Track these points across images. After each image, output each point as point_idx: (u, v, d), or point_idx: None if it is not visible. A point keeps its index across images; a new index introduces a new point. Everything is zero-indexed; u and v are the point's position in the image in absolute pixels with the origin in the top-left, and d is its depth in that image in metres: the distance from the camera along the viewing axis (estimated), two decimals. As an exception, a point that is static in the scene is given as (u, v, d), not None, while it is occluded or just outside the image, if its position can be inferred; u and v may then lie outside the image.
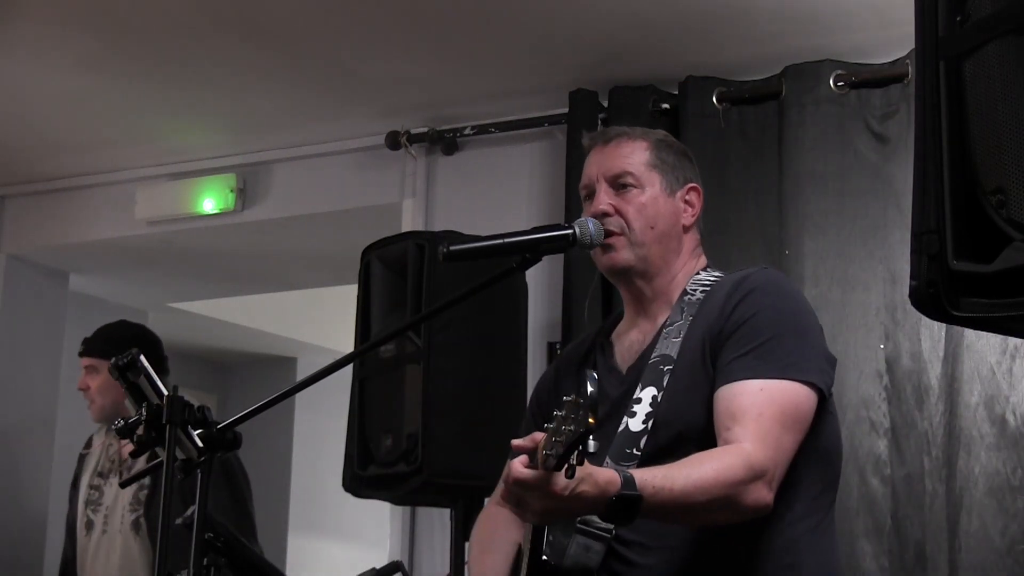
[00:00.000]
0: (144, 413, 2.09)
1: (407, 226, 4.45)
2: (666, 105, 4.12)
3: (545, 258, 2.26)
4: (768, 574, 2.13)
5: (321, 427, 7.46)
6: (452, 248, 2.20)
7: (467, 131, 4.51)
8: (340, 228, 4.96)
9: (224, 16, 3.93)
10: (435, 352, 3.15)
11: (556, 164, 4.30)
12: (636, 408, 2.20)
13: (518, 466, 1.92)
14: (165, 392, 2.10)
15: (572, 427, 1.80)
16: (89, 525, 4.17)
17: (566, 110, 4.23)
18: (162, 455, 2.08)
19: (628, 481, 1.93)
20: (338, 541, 7.85)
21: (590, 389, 1.80)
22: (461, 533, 3.11)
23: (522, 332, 3.43)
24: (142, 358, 2.16)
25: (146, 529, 4.03)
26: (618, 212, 2.30)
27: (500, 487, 2.37)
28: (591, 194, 2.34)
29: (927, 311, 1.30)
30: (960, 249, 1.27)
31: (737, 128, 3.99)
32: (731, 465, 2.02)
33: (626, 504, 1.93)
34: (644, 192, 2.31)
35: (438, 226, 4.35)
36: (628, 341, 2.34)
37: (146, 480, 4.05)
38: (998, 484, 3.44)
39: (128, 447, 4.18)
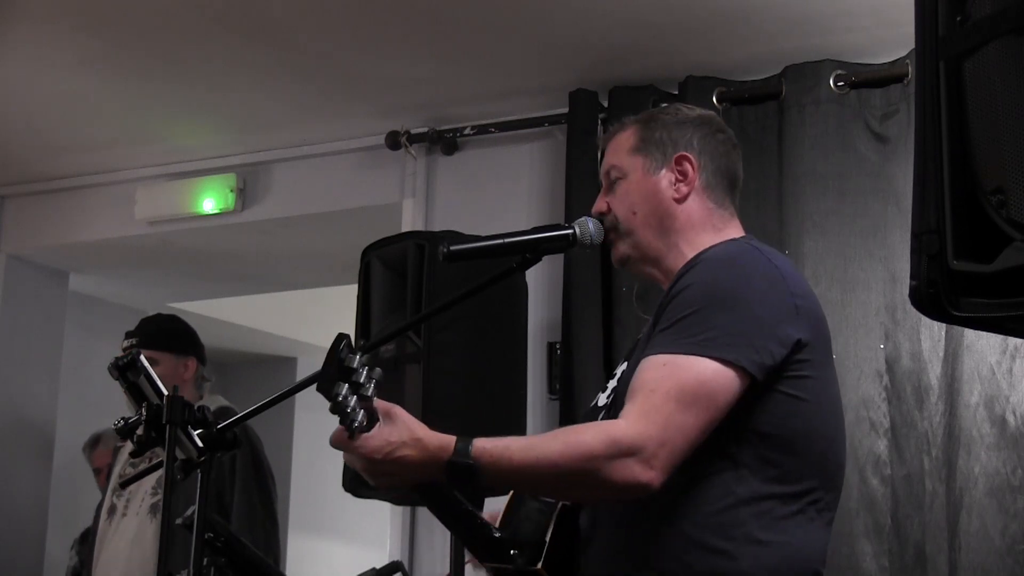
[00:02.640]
0: (144, 413, 2.09)
1: (407, 226, 4.45)
2: (666, 105, 4.12)
3: (545, 258, 2.26)
4: (694, 557, 2.01)
5: (321, 427, 7.42)
6: (452, 248, 2.19)
7: (467, 131, 4.51)
8: (340, 228, 4.96)
9: (224, 16, 3.93)
10: (435, 352, 3.14)
11: (556, 164, 4.30)
12: (609, 384, 2.20)
13: (337, 430, 1.97)
14: (165, 392, 2.10)
15: (349, 394, 1.90)
16: (112, 510, 4.18)
17: (566, 110, 4.23)
18: (162, 454, 2.09)
19: (462, 449, 1.93)
20: (338, 541, 7.86)
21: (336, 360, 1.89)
22: (461, 533, 3.10)
23: (522, 332, 3.43)
24: (142, 358, 2.16)
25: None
26: (611, 208, 2.28)
27: None
28: None
29: (927, 311, 1.30)
30: (960, 249, 1.27)
31: (737, 128, 3.99)
32: (585, 441, 1.94)
33: (460, 471, 1.93)
34: (626, 181, 2.27)
35: (438, 226, 4.36)
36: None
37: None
38: (998, 484, 3.44)
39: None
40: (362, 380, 1.91)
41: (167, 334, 4.33)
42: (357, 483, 3.30)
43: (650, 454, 1.93)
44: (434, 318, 3.02)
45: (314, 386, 2.07)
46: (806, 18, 3.76)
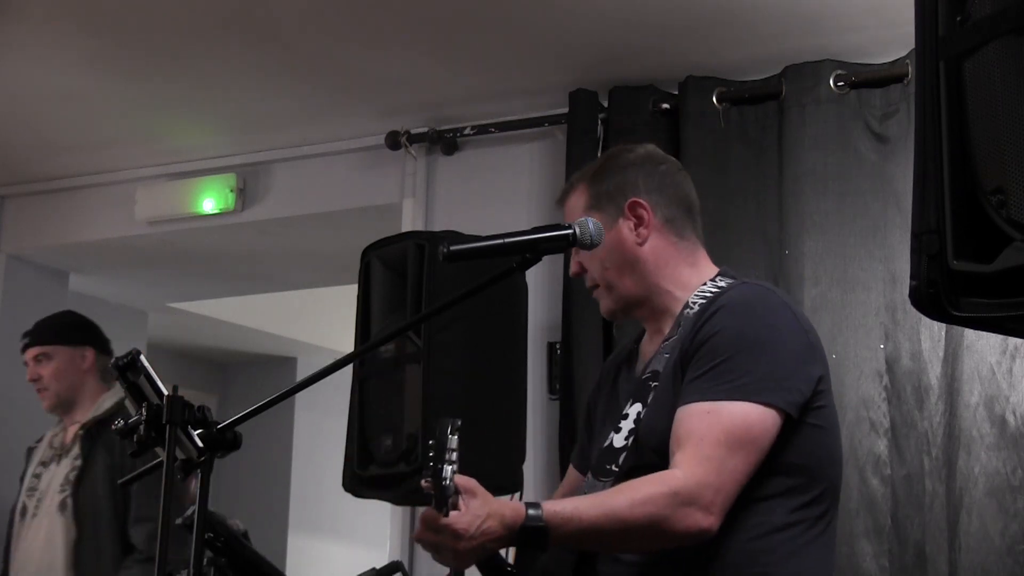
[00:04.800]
0: (144, 413, 2.09)
1: (407, 226, 4.45)
2: (666, 105, 4.12)
3: (545, 258, 2.26)
4: None
5: (321, 427, 7.47)
6: (452, 248, 2.20)
7: (467, 131, 4.51)
8: (340, 228, 4.96)
9: (224, 16, 3.93)
10: (435, 352, 3.15)
11: (556, 164, 4.30)
12: (622, 424, 2.24)
13: (428, 510, 1.96)
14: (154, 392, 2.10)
15: (446, 469, 1.89)
16: (23, 511, 4.18)
17: (566, 110, 4.23)
18: (162, 455, 2.08)
19: (533, 514, 1.97)
20: (338, 541, 7.85)
21: (430, 442, 1.89)
22: (461, 533, 3.10)
23: (522, 332, 3.43)
24: (142, 358, 2.16)
25: (71, 508, 4.03)
26: (585, 268, 2.38)
27: (558, 492, 2.53)
28: None
29: (927, 311, 1.30)
30: (960, 249, 1.27)
31: (737, 128, 3.99)
32: (650, 495, 2.02)
33: (533, 535, 1.97)
34: None
35: (438, 226, 4.36)
36: (646, 351, 2.36)
37: (78, 460, 4.06)
38: (998, 484, 3.44)
39: (74, 429, 4.19)
40: (455, 460, 1.93)
41: (58, 327, 4.33)
42: (357, 483, 3.30)
43: (708, 501, 2.02)
44: (434, 318, 3.02)
45: (314, 386, 2.07)
46: (806, 18, 3.76)
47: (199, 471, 2.11)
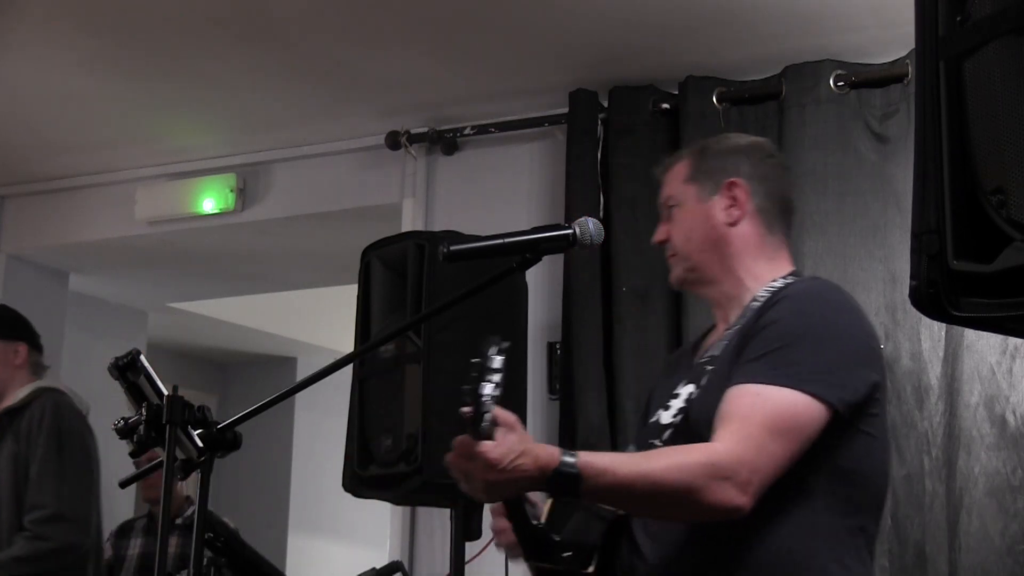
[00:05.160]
0: (144, 413, 2.09)
1: (407, 226, 4.45)
2: (666, 105, 4.13)
3: (545, 258, 2.26)
4: None
5: (321, 427, 7.46)
6: (452, 248, 2.20)
7: (467, 131, 4.51)
8: (340, 228, 4.96)
9: (224, 16, 3.93)
10: (435, 352, 3.14)
11: (556, 164, 4.30)
12: (671, 402, 2.23)
13: (462, 436, 1.93)
14: (164, 393, 2.10)
15: (487, 392, 1.87)
16: None
17: (566, 110, 4.23)
18: (162, 455, 2.08)
19: (568, 460, 1.95)
20: (338, 541, 7.85)
21: (473, 360, 1.88)
22: (461, 533, 3.11)
23: (522, 332, 3.43)
24: (142, 358, 2.16)
25: None
26: (669, 237, 2.37)
27: None
28: None
29: (927, 311, 1.30)
30: (960, 249, 1.27)
31: (737, 128, 3.99)
32: (687, 462, 2.00)
33: (564, 481, 1.94)
34: (681, 209, 2.35)
35: (438, 226, 4.35)
36: (709, 342, 2.35)
37: None
38: (998, 484, 3.44)
39: None
40: (497, 382, 1.91)
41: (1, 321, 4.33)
42: (357, 483, 3.30)
43: (744, 479, 2.00)
44: (434, 318, 3.02)
45: (314, 386, 2.07)
46: (806, 18, 3.76)
47: (197, 472, 2.11)
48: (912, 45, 1.76)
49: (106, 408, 4.59)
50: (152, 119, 4.74)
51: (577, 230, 2.23)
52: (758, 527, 2.07)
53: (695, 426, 2.15)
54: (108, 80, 4.39)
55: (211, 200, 4.98)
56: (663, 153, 4.11)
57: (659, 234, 2.40)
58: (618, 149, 4.15)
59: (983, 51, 1.25)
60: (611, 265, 4.07)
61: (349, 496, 3.38)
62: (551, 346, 4.21)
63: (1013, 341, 3.46)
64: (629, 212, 4.09)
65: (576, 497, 1.99)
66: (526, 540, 2.16)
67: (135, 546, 5.21)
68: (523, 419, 3.22)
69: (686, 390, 2.23)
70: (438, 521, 4.21)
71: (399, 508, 4.29)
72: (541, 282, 4.07)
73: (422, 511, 4.30)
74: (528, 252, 2.22)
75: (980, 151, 1.26)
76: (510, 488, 1.98)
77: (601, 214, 4.09)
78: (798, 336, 2.11)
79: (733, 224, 2.32)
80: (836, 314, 2.17)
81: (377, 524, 6.00)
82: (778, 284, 2.27)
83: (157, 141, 4.92)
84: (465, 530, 3.06)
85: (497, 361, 1.90)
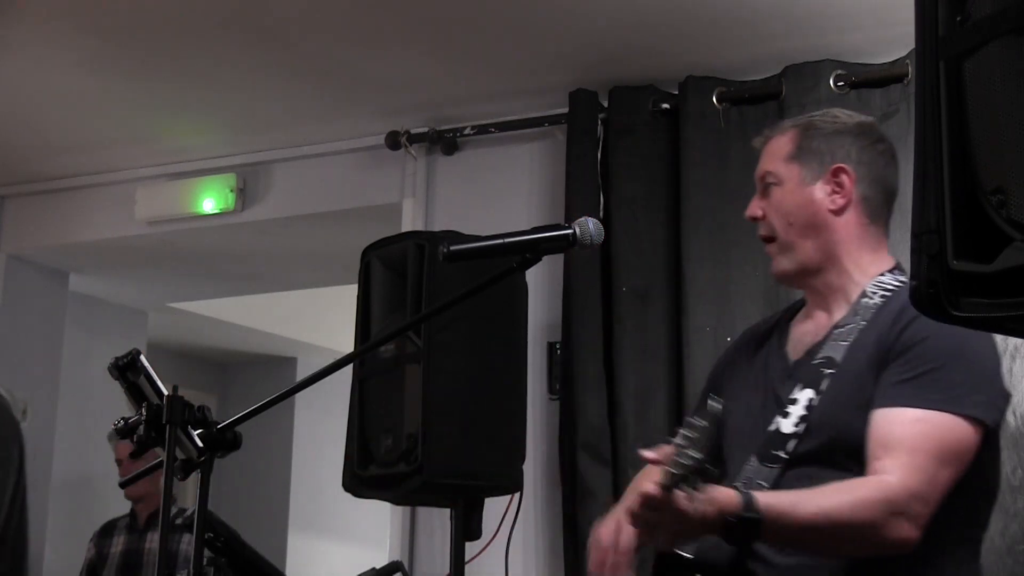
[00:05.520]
0: (144, 413, 2.09)
1: (407, 226, 4.45)
2: (666, 105, 4.13)
3: (545, 258, 2.26)
4: None
5: (321, 427, 7.47)
6: (452, 248, 2.19)
7: (467, 131, 4.51)
8: (340, 228, 4.96)
9: (224, 16, 3.93)
10: (435, 352, 3.14)
11: (556, 164, 4.30)
12: (791, 409, 2.16)
13: (649, 484, 1.90)
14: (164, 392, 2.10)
15: (690, 454, 1.81)
16: None
17: (566, 110, 4.23)
18: (162, 455, 2.08)
19: (748, 503, 1.91)
20: (338, 541, 7.86)
21: (701, 424, 1.81)
22: (461, 533, 3.10)
23: (522, 332, 3.42)
24: (142, 358, 2.16)
25: None
26: (765, 215, 2.29)
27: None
28: None
29: (927, 311, 1.30)
30: (960, 249, 1.26)
31: (737, 128, 3.99)
32: (868, 500, 1.97)
33: (746, 526, 1.91)
34: (781, 188, 2.28)
35: (438, 226, 4.35)
36: (802, 331, 2.28)
37: None
38: (998, 484, 3.43)
39: None
40: (701, 448, 1.87)
41: None
42: (357, 483, 3.30)
43: (916, 513, 1.99)
44: (434, 318, 3.01)
45: (314, 386, 2.06)
46: (806, 18, 3.76)
47: (197, 471, 2.11)
48: (912, 45, 1.76)
49: (106, 408, 4.61)
50: (152, 119, 4.74)
51: (577, 230, 2.22)
52: None
53: (817, 434, 2.10)
54: (108, 80, 4.39)
55: (211, 200, 4.98)
56: (663, 153, 4.12)
57: (752, 209, 2.31)
58: (618, 149, 4.15)
59: (983, 51, 1.25)
60: (611, 265, 4.07)
61: (349, 496, 3.37)
62: (551, 346, 4.21)
63: (1013, 341, 3.45)
64: (629, 212, 4.09)
65: (753, 541, 1.95)
66: (658, 560, 2.13)
67: (117, 544, 5.21)
68: (523, 419, 3.23)
69: (804, 395, 2.15)
70: (438, 521, 4.21)
71: (399, 508, 4.29)
72: (541, 282, 4.07)
73: (422, 511, 4.30)
74: (528, 252, 2.21)
75: (980, 151, 1.26)
76: (692, 534, 1.97)
77: (601, 214, 4.09)
78: (951, 356, 2.07)
79: (837, 212, 2.25)
80: (978, 333, 2.09)
81: (377, 524, 6.00)
82: (888, 280, 2.22)
83: (157, 141, 4.92)
84: (465, 530, 3.06)
85: (709, 434, 1.86)
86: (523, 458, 3.11)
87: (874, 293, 2.20)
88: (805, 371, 2.18)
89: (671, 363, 3.96)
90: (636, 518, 1.94)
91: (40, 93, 4.51)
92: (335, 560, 7.72)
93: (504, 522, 3.01)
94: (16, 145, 5.03)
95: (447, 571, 3.04)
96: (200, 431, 2.11)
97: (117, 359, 2.15)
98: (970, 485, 2.09)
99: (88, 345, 5.82)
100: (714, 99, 4.01)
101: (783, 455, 2.11)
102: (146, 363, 2.17)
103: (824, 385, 2.13)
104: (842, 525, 1.96)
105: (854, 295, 2.23)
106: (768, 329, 2.38)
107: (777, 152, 2.31)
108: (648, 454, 1.95)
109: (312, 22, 3.96)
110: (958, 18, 1.29)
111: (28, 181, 5.34)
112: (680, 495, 1.86)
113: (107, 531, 5.28)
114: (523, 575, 4.06)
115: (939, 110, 1.30)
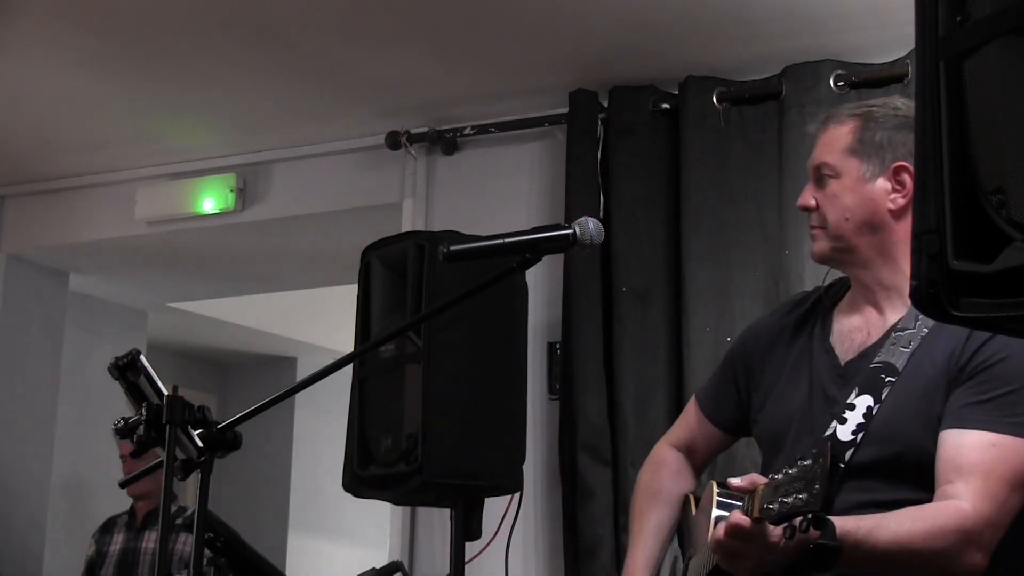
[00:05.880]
0: (144, 413, 2.09)
1: (407, 226, 4.45)
2: (666, 105, 4.13)
3: (545, 258, 2.25)
4: None
5: (321, 427, 7.47)
6: (452, 248, 2.19)
7: (467, 131, 4.51)
8: (340, 228, 4.96)
9: (224, 16, 3.93)
10: (435, 352, 3.14)
11: (556, 164, 4.30)
12: (848, 415, 2.10)
13: (739, 515, 1.88)
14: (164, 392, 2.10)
15: (803, 497, 1.77)
16: None
17: (566, 110, 4.23)
18: (162, 455, 2.08)
19: (829, 531, 1.86)
20: (338, 541, 7.86)
21: (825, 473, 1.76)
22: (461, 533, 3.10)
23: (522, 332, 3.42)
24: (142, 358, 2.16)
25: None
26: (819, 206, 2.23)
27: (675, 431, 2.43)
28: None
29: (927, 311, 1.30)
30: (960, 249, 1.26)
31: (737, 128, 3.99)
32: (945, 529, 1.95)
33: (825, 554, 1.87)
34: (839, 181, 2.20)
35: (438, 226, 4.35)
36: (850, 326, 2.21)
37: None
38: (998, 484, 3.43)
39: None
40: (815, 491, 1.82)
41: None
42: (357, 483, 3.30)
43: (988, 540, 1.97)
44: (434, 318, 3.01)
45: (314, 386, 2.06)
46: (806, 18, 3.76)
47: (197, 471, 2.11)
48: (912, 45, 1.76)
49: (106, 408, 4.61)
50: (152, 119, 4.74)
51: (577, 230, 2.22)
52: None
53: (879, 445, 2.06)
54: (108, 80, 4.39)
55: (211, 200, 4.98)
56: (663, 153, 4.12)
57: (805, 198, 2.25)
58: (618, 149, 4.15)
59: (983, 51, 1.25)
60: (611, 265, 4.07)
61: (349, 496, 3.38)
62: (551, 346, 4.21)
63: (1013, 341, 3.45)
64: (629, 212, 4.09)
65: (830, 568, 1.91)
66: None
67: (116, 542, 5.21)
68: (523, 419, 3.23)
69: (862, 402, 2.10)
70: (438, 521, 4.21)
71: (399, 508, 4.29)
72: (541, 282, 4.07)
73: (422, 511, 4.30)
74: (528, 252, 2.21)
75: (980, 151, 1.26)
76: (772, 564, 1.93)
77: (601, 214, 4.09)
78: None
79: (897, 212, 2.16)
80: None
81: (377, 524, 6.00)
82: None
83: (157, 141, 4.92)
84: (465, 530, 3.06)
85: (810, 469, 1.81)
86: (523, 458, 3.11)
87: None
88: (862, 375, 2.13)
89: (671, 363, 3.96)
90: (720, 546, 1.92)
91: (40, 93, 4.51)
92: (335, 560, 7.72)
93: (504, 522, 3.01)
94: (16, 145, 5.03)
95: (447, 571, 3.04)
96: (200, 431, 2.11)
97: (117, 359, 2.15)
98: None
99: (88, 345, 5.83)
100: (714, 99, 4.01)
101: (840, 464, 2.06)
102: (146, 363, 2.17)
103: (885, 394, 2.08)
104: (916, 554, 1.94)
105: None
106: (804, 313, 2.30)
107: (834, 143, 2.22)
108: (737, 482, 1.92)
109: (312, 22, 3.96)
110: (958, 18, 1.29)
111: (28, 181, 5.34)
112: (771, 528, 1.84)
113: (107, 528, 5.28)
114: (523, 575, 4.06)
115: (939, 110, 1.30)
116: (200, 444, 2.10)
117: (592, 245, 2.25)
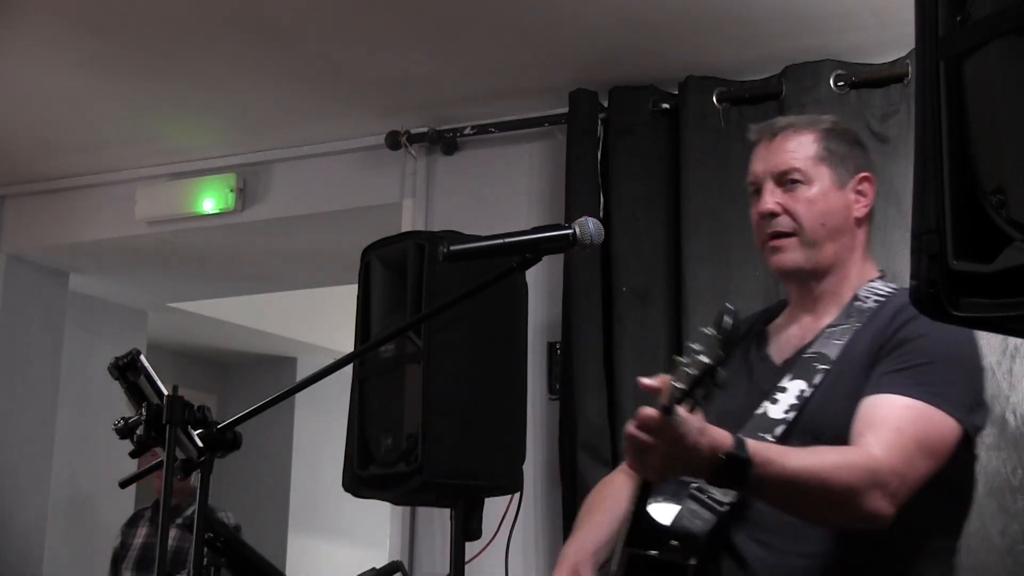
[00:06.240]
0: (144, 413, 2.09)
1: (407, 226, 4.45)
2: (666, 105, 4.13)
3: (545, 258, 2.26)
4: None
5: (321, 427, 7.47)
6: (452, 248, 2.19)
7: (467, 131, 4.51)
8: (340, 228, 4.96)
9: (224, 16, 3.93)
10: (435, 352, 3.14)
11: (556, 164, 4.30)
12: (779, 396, 2.15)
13: (647, 408, 1.87)
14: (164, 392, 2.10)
15: (704, 357, 1.79)
16: None
17: (566, 110, 4.23)
18: (162, 455, 2.08)
19: (740, 444, 1.89)
20: (338, 541, 7.86)
21: (726, 320, 1.79)
22: (461, 533, 3.10)
23: (522, 332, 3.42)
24: (142, 358, 2.16)
25: None
26: (787, 211, 2.24)
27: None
28: (758, 190, 2.30)
29: (927, 311, 1.30)
30: (960, 249, 1.26)
31: (737, 128, 3.99)
32: (854, 464, 1.96)
33: (734, 466, 1.88)
34: (812, 187, 2.24)
35: (438, 226, 4.35)
36: (786, 335, 2.28)
37: None
38: (998, 484, 3.43)
39: None
40: (704, 360, 1.85)
41: None
42: (357, 483, 3.30)
43: (894, 489, 1.98)
44: (434, 318, 3.01)
45: (314, 386, 2.06)
46: (806, 18, 3.76)
47: (197, 472, 2.11)
48: (912, 45, 1.76)
49: (106, 408, 4.60)
50: (152, 119, 4.74)
51: (577, 230, 2.22)
52: (874, 542, 2.04)
53: (811, 427, 2.10)
54: (108, 80, 4.39)
55: (211, 200, 4.98)
56: (663, 153, 4.12)
57: (769, 204, 2.25)
58: (618, 149, 4.15)
59: (983, 51, 1.25)
60: (611, 265, 4.07)
61: (349, 496, 3.38)
62: (551, 346, 4.21)
63: (1013, 341, 3.45)
64: (629, 212, 4.09)
65: (740, 485, 1.93)
66: (633, 524, 2.09)
67: (139, 535, 5.22)
68: (523, 419, 3.23)
69: (795, 385, 2.15)
70: (438, 521, 4.20)
71: (399, 508, 4.29)
72: (541, 282, 4.07)
73: (422, 511, 4.30)
74: (528, 252, 2.21)
75: (980, 151, 1.26)
76: (681, 466, 1.92)
77: (601, 214, 4.09)
78: (944, 357, 2.08)
79: (859, 220, 2.27)
80: (971, 343, 2.14)
81: (377, 524, 6.00)
82: (880, 288, 2.22)
83: (157, 141, 4.92)
84: (465, 530, 3.06)
85: (707, 337, 1.83)
86: (523, 458, 3.11)
87: (867, 297, 2.21)
88: (796, 364, 2.18)
89: (671, 363, 3.96)
90: (629, 440, 1.90)
91: (40, 93, 4.51)
92: (335, 560, 7.72)
93: (504, 522, 3.01)
94: (16, 145, 5.03)
95: (447, 571, 3.04)
96: (200, 431, 2.11)
97: (117, 359, 2.15)
98: (944, 490, 2.07)
99: (88, 345, 5.83)
100: (714, 99, 4.01)
101: (769, 438, 2.09)
102: (146, 363, 2.17)
103: (818, 379, 2.13)
104: (827, 483, 1.95)
105: (846, 298, 2.23)
106: (746, 334, 2.34)
107: (801, 150, 2.26)
108: (647, 381, 1.91)
109: (312, 22, 3.96)
110: (958, 18, 1.29)
111: (28, 181, 5.34)
112: (678, 420, 1.84)
113: (133, 521, 5.29)
114: (523, 575, 4.06)
115: (939, 110, 1.30)
116: (200, 444, 2.10)
117: (592, 245, 2.25)
